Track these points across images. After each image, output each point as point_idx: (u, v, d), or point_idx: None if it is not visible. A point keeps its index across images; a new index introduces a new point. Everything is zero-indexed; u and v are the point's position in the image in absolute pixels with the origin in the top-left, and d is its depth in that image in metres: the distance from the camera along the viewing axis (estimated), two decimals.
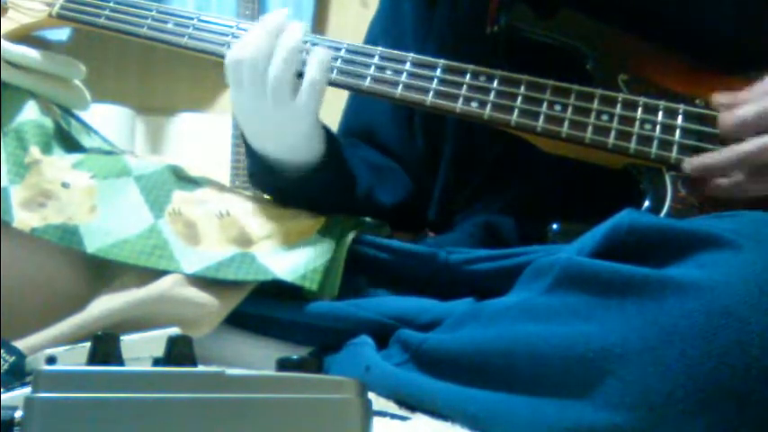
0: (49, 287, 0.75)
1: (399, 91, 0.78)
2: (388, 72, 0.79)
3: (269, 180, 0.84)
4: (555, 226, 0.74)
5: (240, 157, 2.31)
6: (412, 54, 0.80)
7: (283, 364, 0.38)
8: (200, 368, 0.37)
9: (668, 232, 0.56)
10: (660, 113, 0.75)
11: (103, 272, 0.76)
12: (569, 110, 0.76)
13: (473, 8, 0.86)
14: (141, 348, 0.50)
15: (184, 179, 0.82)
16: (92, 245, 0.74)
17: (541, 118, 0.76)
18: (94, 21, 0.86)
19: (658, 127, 0.75)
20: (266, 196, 0.88)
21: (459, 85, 0.78)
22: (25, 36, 0.89)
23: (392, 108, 0.94)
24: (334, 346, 0.76)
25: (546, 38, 0.81)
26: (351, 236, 0.80)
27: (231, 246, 0.77)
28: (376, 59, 0.80)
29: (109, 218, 0.76)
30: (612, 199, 0.68)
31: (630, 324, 0.52)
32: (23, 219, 0.75)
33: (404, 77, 0.79)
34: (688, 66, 0.79)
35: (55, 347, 0.55)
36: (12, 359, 0.62)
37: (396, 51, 0.80)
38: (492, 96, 0.77)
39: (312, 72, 0.77)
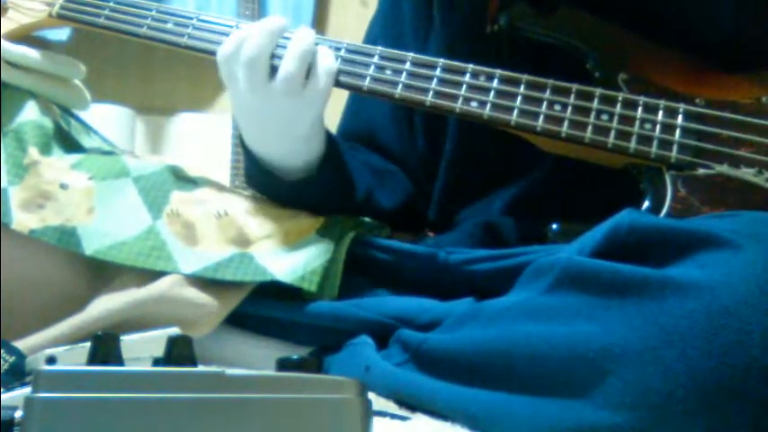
0: (49, 288, 0.75)
1: (399, 91, 0.78)
2: (388, 72, 0.79)
3: (267, 183, 0.84)
4: (555, 226, 0.74)
5: (240, 157, 2.30)
6: (412, 54, 0.80)
7: (283, 364, 0.38)
8: (200, 368, 0.37)
9: (668, 232, 0.56)
10: (660, 113, 0.75)
11: (103, 272, 0.76)
12: (569, 109, 0.76)
13: (473, 7, 0.86)
14: (141, 348, 0.50)
15: (183, 179, 0.82)
16: (90, 247, 0.74)
17: (541, 118, 0.76)
18: (94, 21, 0.86)
19: (658, 126, 0.75)
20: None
21: (458, 84, 0.78)
22: (25, 36, 0.89)
23: (392, 108, 0.94)
24: (334, 346, 0.76)
25: (546, 37, 0.81)
26: (350, 236, 0.80)
27: (230, 246, 0.77)
28: (376, 59, 0.80)
29: (107, 219, 0.76)
30: (612, 199, 0.68)
31: (631, 324, 0.52)
32: (22, 220, 0.75)
33: (404, 77, 0.79)
34: (688, 65, 0.79)
35: (55, 347, 0.55)
36: (12, 359, 0.62)
37: (396, 51, 0.80)
38: (492, 96, 0.77)
39: (326, 62, 0.77)
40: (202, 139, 2.63)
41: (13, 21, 0.88)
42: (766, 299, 0.49)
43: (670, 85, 0.77)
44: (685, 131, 0.75)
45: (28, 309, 0.74)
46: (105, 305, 0.73)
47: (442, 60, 0.79)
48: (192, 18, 0.84)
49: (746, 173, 0.72)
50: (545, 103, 0.76)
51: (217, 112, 2.69)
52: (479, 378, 0.59)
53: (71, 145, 0.83)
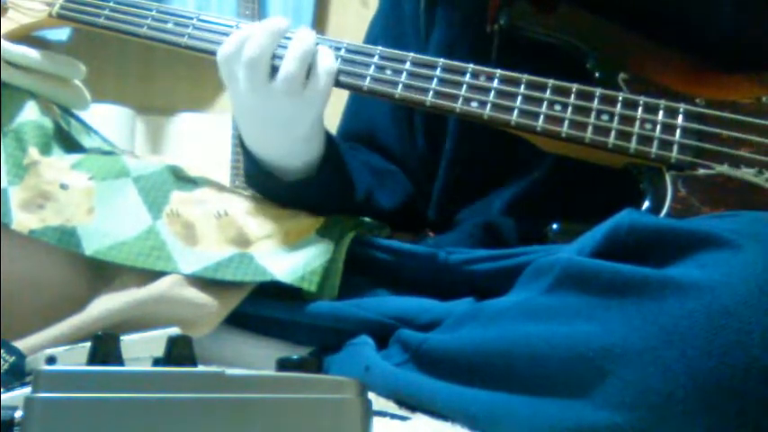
0: (49, 287, 0.75)
1: (399, 91, 0.78)
2: (388, 72, 0.79)
3: (267, 183, 0.84)
4: (555, 226, 0.74)
5: (240, 157, 2.30)
6: (412, 54, 0.79)
7: (283, 364, 0.38)
8: (200, 368, 0.37)
9: (668, 232, 0.56)
10: (660, 113, 0.75)
11: (103, 272, 0.76)
12: (569, 109, 0.76)
13: (473, 7, 0.86)
14: (141, 348, 0.50)
15: (183, 179, 0.82)
16: (90, 247, 0.74)
17: (541, 118, 0.76)
18: (94, 21, 0.86)
19: (659, 126, 0.75)
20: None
21: (458, 84, 0.78)
22: (25, 36, 0.89)
23: (392, 108, 0.94)
24: (334, 346, 0.76)
25: (546, 36, 0.81)
26: (350, 236, 0.80)
27: (229, 246, 0.77)
28: (376, 59, 0.80)
29: (107, 219, 0.76)
30: (612, 199, 0.68)
31: (631, 324, 0.52)
32: (22, 220, 0.75)
33: (404, 77, 0.79)
34: (688, 65, 0.79)
35: (55, 347, 0.55)
36: (12, 359, 0.62)
37: (396, 51, 0.80)
38: (492, 96, 0.77)
39: (327, 62, 0.77)
40: (202, 139, 2.63)
41: (13, 21, 0.88)
42: (766, 299, 0.49)
43: (670, 85, 0.77)
44: (686, 131, 0.75)
45: (28, 309, 0.74)
46: (105, 305, 0.73)
47: (442, 60, 0.79)
48: (192, 18, 0.84)
49: (747, 173, 0.72)
50: (545, 103, 0.76)
51: (217, 112, 2.69)
52: (479, 378, 0.59)
53: (71, 145, 0.83)
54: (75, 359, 0.52)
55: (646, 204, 0.73)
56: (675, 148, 0.74)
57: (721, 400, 0.48)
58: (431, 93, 0.78)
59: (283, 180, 0.82)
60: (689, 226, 0.56)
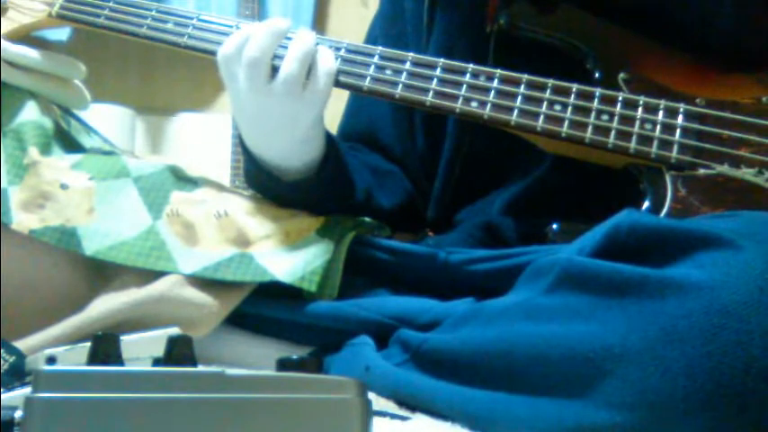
0: (49, 287, 0.75)
1: (399, 91, 0.78)
2: (388, 72, 0.79)
3: (267, 183, 0.84)
4: (555, 226, 0.74)
5: (240, 157, 2.30)
6: (412, 54, 0.80)
7: (283, 364, 0.38)
8: (200, 368, 0.37)
9: (668, 232, 0.56)
10: (660, 113, 0.75)
11: (103, 272, 0.76)
12: (569, 109, 0.76)
13: (473, 7, 0.86)
14: (141, 348, 0.50)
15: (183, 179, 0.82)
16: (90, 247, 0.74)
17: (541, 118, 0.76)
18: (94, 21, 0.86)
19: (659, 126, 0.75)
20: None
21: (458, 84, 0.78)
22: (25, 36, 0.89)
23: (392, 108, 0.94)
24: (335, 346, 0.76)
25: (546, 36, 0.81)
26: (350, 236, 0.80)
27: (229, 246, 0.77)
28: (376, 59, 0.80)
29: (107, 219, 0.76)
30: (612, 199, 0.68)
31: (631, 324, 0.52)
32: (22, 220, 0.75)
33: (404, 77, 0.79)
34: (688, 64, 0.79)
35: (55, 347, 0.55)
36: (12, 359, 0.62)
37: (396, 51, 0.80)
38: (492, 96, 0.77)
39: (326, 63, 0.77)
40: (202, 139, 2.63)
41: (13, 21, 0.88)
42: (766, 299, 0.49)
43: (670, 85, 0.77)
44: (685, 131, 0.75)
45: (28, 309, 0.74)
46: (105, 305, 0.73)
47: (442, 60, 0.79)
48: (192, 18, 0.84)
49: (747, 173, 0.72)
50: (545, 103, 0.76)
51: (217, 112, 2.69)
52: (479, 378, 0.59)
53: (71, 145, 0.83)
54: (75, 359, 0.52)
55: (646, 204, 0.73)
56: (675, 148, 0.74)
57: (721, 400, 0.48)
58: (431, 93, 0.78)
59: (283, 180, 0.82)
60: (689, 226, 0.56)
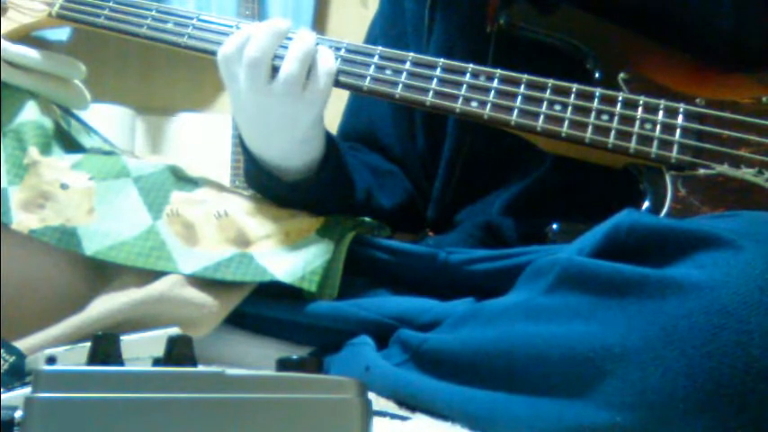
0: (49, 287, 0.75)
1: (399, 91, 0.78)
2: (388, 72, 0.79)
3: (267, 183, 0.84)
4: (555, 226, 0.74)
5: (240, 157, 2.30)
6: (412, 54, 0.80)
7: (283, 364, 0.38)
8: (200, 368, 0.37)
9: (668, 232, 0.56)
10: (660, 113, 0.75)
11: (103, 272, 0.76)
12: (569, 109, 0.76)
13: (473, 7, 0.86)
14: (141, 348, 0.50)
15: (183, 179, 0.82)
16: (90, 247, 0.74)
17: (541, 118, 0.76)
18: (94, 21, 0.86)
19: (659, 126, 0.75)
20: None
21: (458, 84, 0.78)
22: (25, 36, 0.89)
23: (392, 108, 0.94)
24: (335, 346, 0.76)
25: (546, 36, 0.81)
26: (350, 236, 0.80)
27: (229, 246, 0.77)
28: (376, 59, 0.80)
29: (107, 219, 0.76)
30: (612, 199, 0.68)
31: (631, 324, 0.52)
32: (22, 220, 0.75)
33: (404, 77, 0.79)
34: (688, 64, 0.79)
35: (55, 347, 0.55)
36: (12, 359, 0.62)
37: (396, 51, 0.80)
38: (492, 96, 0.77)
39: (326, 63, 0.77)
40: (202, 139, 2.63)
41: (13, 21, 0.88)
42: (766, 299, 0.49)
43: (670, 85, 0.77)
44: (685, 131, 0.75)
45: (28, 309, 0.74)
46: (105, 305, 0.73)
47: (442, 60, 0.79)
48: (192, 18, 0.84)
49: (747, 173, 0.72)
50: (545, 103, 0.76)
51: (217, 112, 2.70)
52: (479, 378, 0.59)
53: (71, 145, 0.83)
54: (75, 359, 0.52)
55: (646, 204, 0.73)
56: (675, 147, 0.74)
57: (721, 400, 0.48)
58: (431, 93, 0.78)
59: (283, 180, 0.82)
60: (689, 226, 0.56)
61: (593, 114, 0.75)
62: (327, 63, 0.77)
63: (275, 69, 0.76)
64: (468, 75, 0.78)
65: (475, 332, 0.63)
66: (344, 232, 0.80)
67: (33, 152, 0.78)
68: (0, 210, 0.74)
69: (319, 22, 2.80)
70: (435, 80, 0.78)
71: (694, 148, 0.74)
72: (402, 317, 0.73)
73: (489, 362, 0.59)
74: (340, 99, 0.94)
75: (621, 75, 0.78)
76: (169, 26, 0.84)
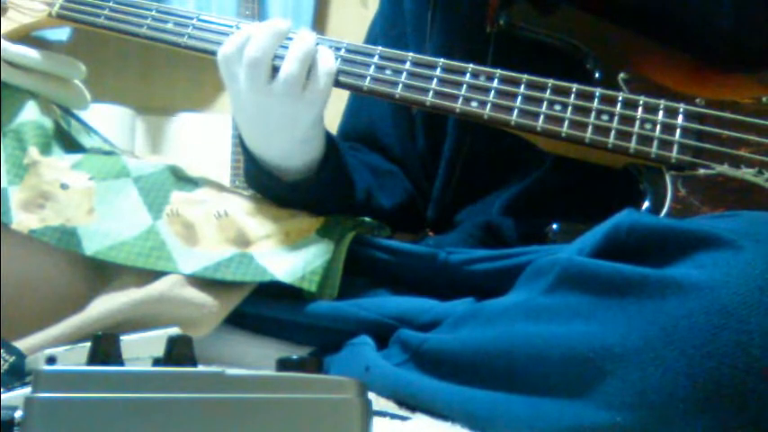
0: (49, 287, 0.75)
1: (399, 91, 0.78)
2: (388, 72, 0.79)
3: (267, 183, 0.84)
4: (555, 226, 0.74)
5: (240, 157, 2.30)
6: (412, 54, 0.80)
7: (283, 364, 0.38)
8: (200, 368, 0.37)
9: (668, 232, 0.56)
10: (660, 113, 0.75)
11: (103, 272, 0.76)
12: (569, 109, 0.76)
13: (473, 7, 0.86)
14: (141, 348, 0.50)
15: (183, 179, 0.82)
16: (90, 247, 0.74)
17: (541, 118, 0.76)
18: (94, 21, 0.86)
19: (659, 126, 0.75)
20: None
21: (458, 84, 0.78)
22: (25, 36, 0.89)
23: (392, 108, 0.94)
24: (335, 346, 0.76)
25: (546, 37, 0.81)
26: (350, 236, 0.80)
27: (229, 246, 0.77)
28: (376, 59, 0.80)
29: (107, 219, 0.76)
30: (612, 199, 0.68)
31: (631, 324, 0.52)
32: (22, 220, 0.75)
33: (404, 77, 0.79)
34: (688, 64, 0.79)
35: (55, 347, 0.55)
36: (12, 359, 0.62)
37: (396, 51, 0.80)
38: (492, 96, 0.77)
39: (326, 64, 0.77)
40: (202, 139, 2.63)
41: (13, 21, 0.88)
42: (766, 299, 0.49)
43: (670, 85, 0.77)
44: (685, 131, 0.75)
45: (28, 309, 0.74)
46: (105, 305, 0.73)
47: (442, 60, 0.79)
48: (192, 18, 0.84)
49: (747, 173, 0.72)
50: (545, 103, 0.76)
51: (217, 112, 2.70)
52: (479, 378, 0.59)
53: (71, 145, 0.83)
54: (75, 359, 0.52)
55: (646, 204, 0.73)
56: (675, 147, 0.74)
57: (721, 400, 0.48)
58: (431, 93, 0.78)
59: (283, 180, 0.82)
60: (689, 226, 0.56)
61: (593, 114, 0.75)
62: (327, 63, 0.77)
63: (275, 69, 0.76)
64: (468, 75, 0.78)
65: (475, 332, 0.63)
66: (344, 232, 0.80)
67: (33, 152, 0.78)
68: (0, 209, 0.74)
69: (319, 22, 2.80)
70: (435, 80, 0.78)
71: (694, 148, 0.74)
72: (402, 317, 0.73)
73: (489, 362, 0.59)
74: (340, 99, 0.94)
75: (621, 75, 0.78)
76: (169, 26, 0.84)
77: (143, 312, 0.73)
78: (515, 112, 0.76)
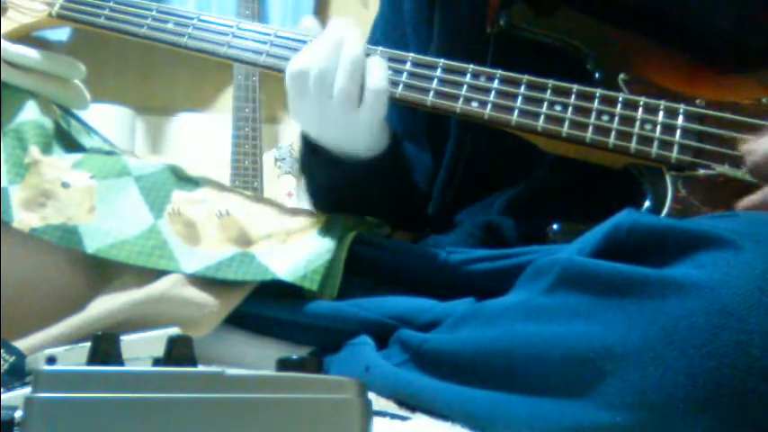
0: (49, 287, 0.75)
1: (400, 91, 0.78)
2: (389, 72, 0.79)
3: (327, 168, 0.83)
4: (555, 226, 0.74)
5: (240, 157, 2.30)
6: (412, 54, 0.80)
7: (283, 364, 0.38)
8: (200, 368, 0.37)
9: (668, 232, 0.56)
10: (661, 113, 0.75)
11: (103, 271, 0.76)
12: (570, 110, 0.76)
13: (473, 8, 0.86)
14: (141, 348, 0.50)
15: (184, 179, 0.82)
16: (91, 245, 0.74)
17: (542, 118, 0.76)
18: (94, 21, 0.86)
19: (659, 127, 0.75)
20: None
21: (459, 84, 0.78)
22: (25, 36, 0.89)
23: (394, 108, 0.94)
24: (334, 346, 0.76)
25: (546, 37, 0.81)
26: (351, 236, 0.80)
27: (231, 245, 0.77)
28: None
29: (108, 218, 0.76)
30: (613, 199, 0.68)
31: (631, 324, 0.52)
32: (23, 219, 0.75)
33: (404, 77, 0.79)
34: (688, 65, 0.79)
35: (55, 347, 0.55)
36: (12, 359, 0.62)
37: (396, 51, 0.80)
38: (492, 96, 0.77)
39: (375, 81, 0.76)
40: (202, 139, 2.63)
41: (13, 21, 0.88)
42: (766, 299, 0.49)
43: (670, 86, 0.77)
44: (686, 132, 0.75)
45: (28, 309, 0.74)
46: (105, 305, 0.73)
47: (442, 60, 0.79)
48: (192, 18, 0.84)
49: (747, 173, 0.72)
50: (545, 104, 0.76)
51: (217, 112, 2.69)
52: (479, 378, 0.59)
53: (71, 145, 0.83)
54: (75, 359, 0.52)
55: (646, 204, 0.73)
56: (675, 148, 0.74)
57: (721, 400, 0.48)
58: (431, 93, 0.78)
59: (346, 163, 0.81)
60: (689, 226, 0.56)
61: (593, 115, 0.75)
62: (376, 81, 0.76)
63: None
64: (468, 75, 0.78)
65: (475, 332, 0.63)
66: (345, 231, 0.80)
67: (34, 151, 0.79)
68: (0, 208, 0.74)
69: (319, 22, 2.80)
70: (436, 80, 0.78)
71: (694, 149, 0.74)
72: (402, 317, 0.73)
73: (489, 362, 0.59)
74: None
75: (622, 75, 0.78)
76: (169, 26, 0.84)
77: (143, 312, 0.73)
78: (516, 112, 0.76)
